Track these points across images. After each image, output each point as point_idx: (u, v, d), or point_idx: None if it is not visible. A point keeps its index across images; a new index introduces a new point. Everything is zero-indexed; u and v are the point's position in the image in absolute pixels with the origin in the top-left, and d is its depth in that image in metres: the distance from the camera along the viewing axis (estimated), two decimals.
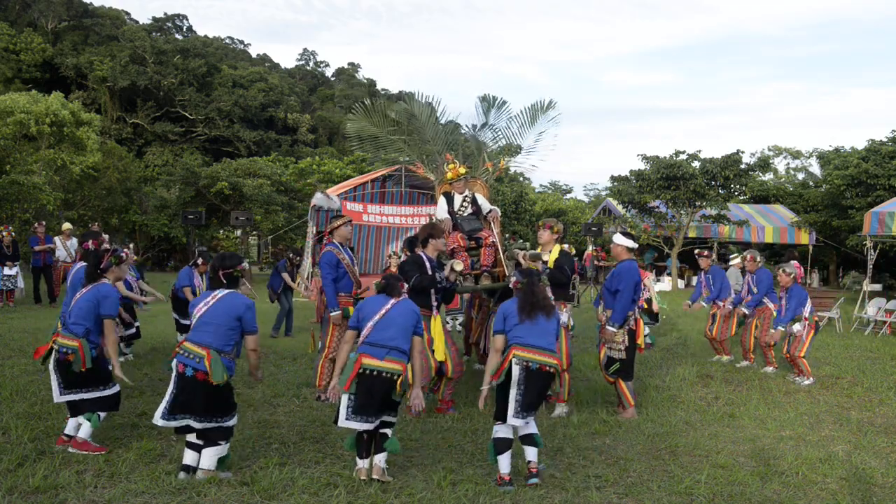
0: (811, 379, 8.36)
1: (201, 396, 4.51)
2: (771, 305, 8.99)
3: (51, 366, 5.15)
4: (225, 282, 4.75)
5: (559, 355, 4.96)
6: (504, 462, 4.69)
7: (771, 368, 8.95)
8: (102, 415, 5.16)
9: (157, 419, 4.52)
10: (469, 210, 7.47)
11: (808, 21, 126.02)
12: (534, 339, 4.79)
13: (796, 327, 8.49)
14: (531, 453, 4.74)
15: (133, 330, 8.56)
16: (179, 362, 4.56)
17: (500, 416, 4.76)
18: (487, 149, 8.35)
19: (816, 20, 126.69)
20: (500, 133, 8.55)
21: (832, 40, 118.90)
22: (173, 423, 4.56)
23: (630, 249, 6.64)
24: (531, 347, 4.76)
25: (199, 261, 9.25)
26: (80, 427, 5.08)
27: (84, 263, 5.86)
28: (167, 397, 4.54)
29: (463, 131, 8.66)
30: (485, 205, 7.59)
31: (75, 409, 5.15)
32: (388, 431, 4.67)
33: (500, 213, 7.72)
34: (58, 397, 5.16)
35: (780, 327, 8.54)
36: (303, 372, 8.10)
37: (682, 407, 6.97)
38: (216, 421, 4.58)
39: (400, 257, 9.20)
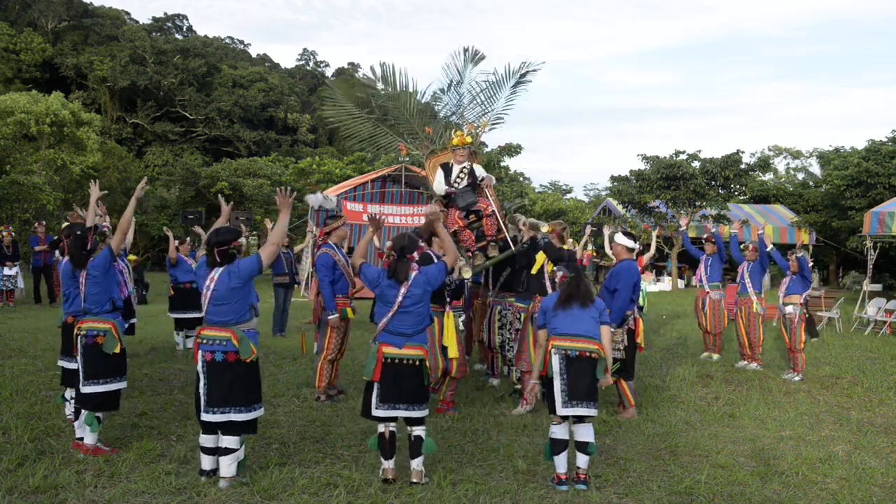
0: (801, 376, 8.41)
1: (236, 382, 4.44)
2: (755, 298, 9.03)
3: (78, 357, 5.02)
4: (219, 260, 4.56)
5: (601, 340, 4.91)
6: (561, 462, 4.71)
7: (755, 365, 9.00)
8: (100, 415, 5.10)
9: (204, 416, 4.42)
10: (465, 181, 7.29)
11: (808, 21, 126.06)
12: (570, 328, 4.82)
13: (789, 309, 8.57)
14: (582, 460, 4.74)
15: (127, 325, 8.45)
16: (206, 352, 4.46)
17: (553, 410, 4.79)
18: (464, 109, 8.09)
19: (816, 20, 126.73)
20: (476, 88, 8.14)
21: (832, 40, 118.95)
22: (220, 418, 4.41)
23: (630, 249, 6.66)
24: (568, 336, 4.80)
25: (176, 243, 9.38)
26: (85, 434, 5.02)
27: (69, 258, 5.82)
28: (202, 391, 4.44)
29: (441, 98, 8.32)
30: (479, 172, 7.41)
31: (84, 403, 5.03)
32: (423, 434, 4.67)
33: (494, 180, 7.57)
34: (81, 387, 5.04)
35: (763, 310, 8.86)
36: (303, 372, 8.10)
37: (682, 407, 6.97)
38: (254, 409, 4.51)
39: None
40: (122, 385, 5.18)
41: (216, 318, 4.51)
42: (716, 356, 9.69)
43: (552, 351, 4.79)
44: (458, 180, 7.30)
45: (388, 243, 5.12)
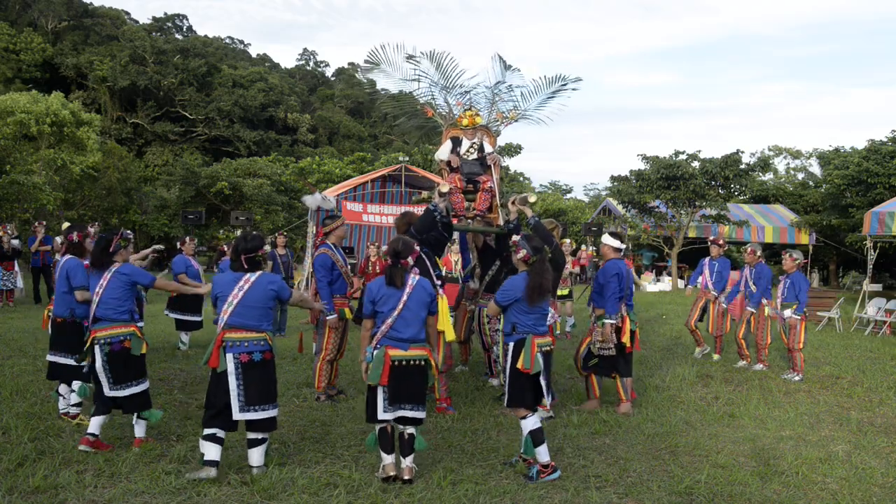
0: (800, 376, 8.41)
1: (266, 380, 4.64)
2: (765, 301, 9.03)
3: (98, 364, 5.05)
4: (247, 266, 4.69)
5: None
6: (545, 450, 4.78)
7: (760, 366, 8.99)
8: (154, 410, 5.28)
9: (242, 416, 4.53)
10: (475, 156, 7.42)
11: (808, 21, 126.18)
12: (541, 327, 5.00)
13: (787, 313, 8.58)
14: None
15: None
16: (240, 353, 4.55)
17: (533, 405, 4.89)
18: (499, 101, 8.21)
19: (816, 20, 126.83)
20: (512, 91, 8.24)
21: (832, 40, 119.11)
22: (260, 415, 4.58)
23: (617, 249, 6.70)
24: (541, 334, 4.98)
25: (178, 244, 9.37)
26: (136, 426, 5.21)
27: (70, 256, 5.82)
28: (235, 392, 4.52)
29: (477, 85, 8.44)
30: (487, 149, 7.51)
31: (119, 405, 5.17)
32: (415, 432, 4.71)
33: (500, 159, 7.66)
34: (108, 391, 5.07)
35: (775, 312, 8.85)
36: (303, 372, 8.10)
37: (682, 407, 6.97)
38: (275, 405, 4.72)
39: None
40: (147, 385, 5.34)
41: (244, 320, 4.61)
42: (716, 356, 9.69)
43: (537, 349, 4.89)
44: (468, 153, 7.42)
45: (385, 248, 5.15)
